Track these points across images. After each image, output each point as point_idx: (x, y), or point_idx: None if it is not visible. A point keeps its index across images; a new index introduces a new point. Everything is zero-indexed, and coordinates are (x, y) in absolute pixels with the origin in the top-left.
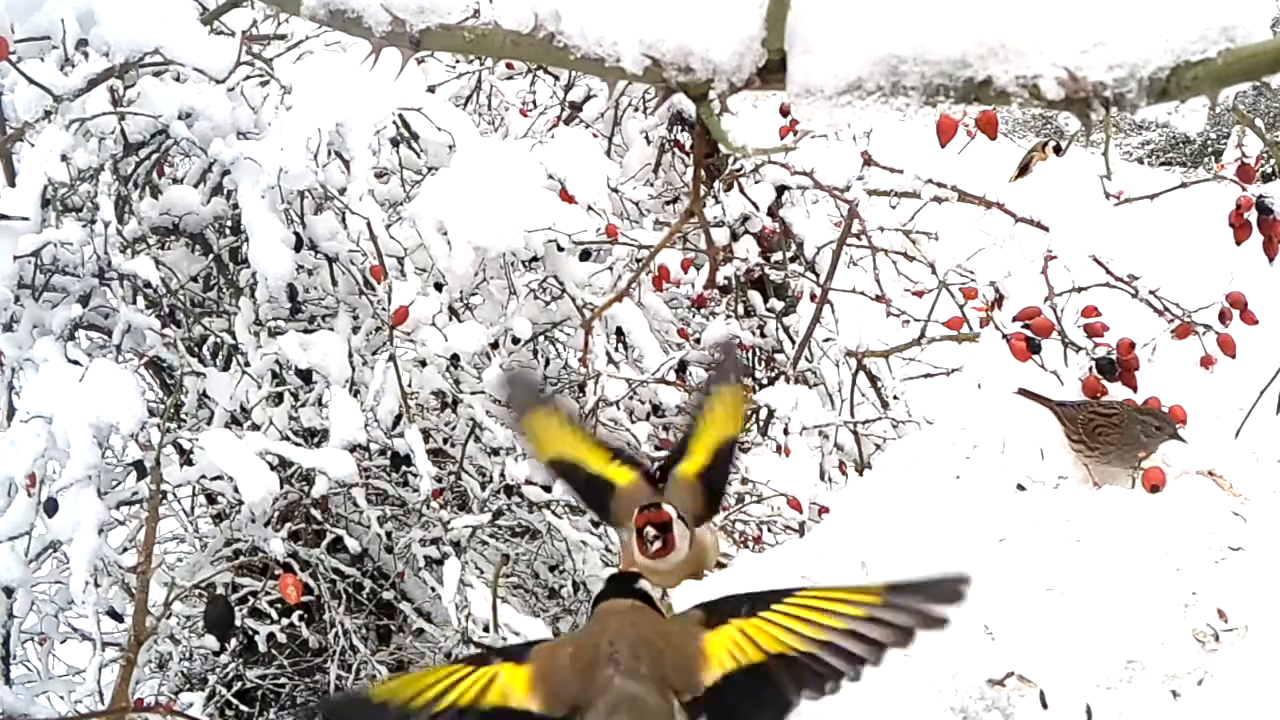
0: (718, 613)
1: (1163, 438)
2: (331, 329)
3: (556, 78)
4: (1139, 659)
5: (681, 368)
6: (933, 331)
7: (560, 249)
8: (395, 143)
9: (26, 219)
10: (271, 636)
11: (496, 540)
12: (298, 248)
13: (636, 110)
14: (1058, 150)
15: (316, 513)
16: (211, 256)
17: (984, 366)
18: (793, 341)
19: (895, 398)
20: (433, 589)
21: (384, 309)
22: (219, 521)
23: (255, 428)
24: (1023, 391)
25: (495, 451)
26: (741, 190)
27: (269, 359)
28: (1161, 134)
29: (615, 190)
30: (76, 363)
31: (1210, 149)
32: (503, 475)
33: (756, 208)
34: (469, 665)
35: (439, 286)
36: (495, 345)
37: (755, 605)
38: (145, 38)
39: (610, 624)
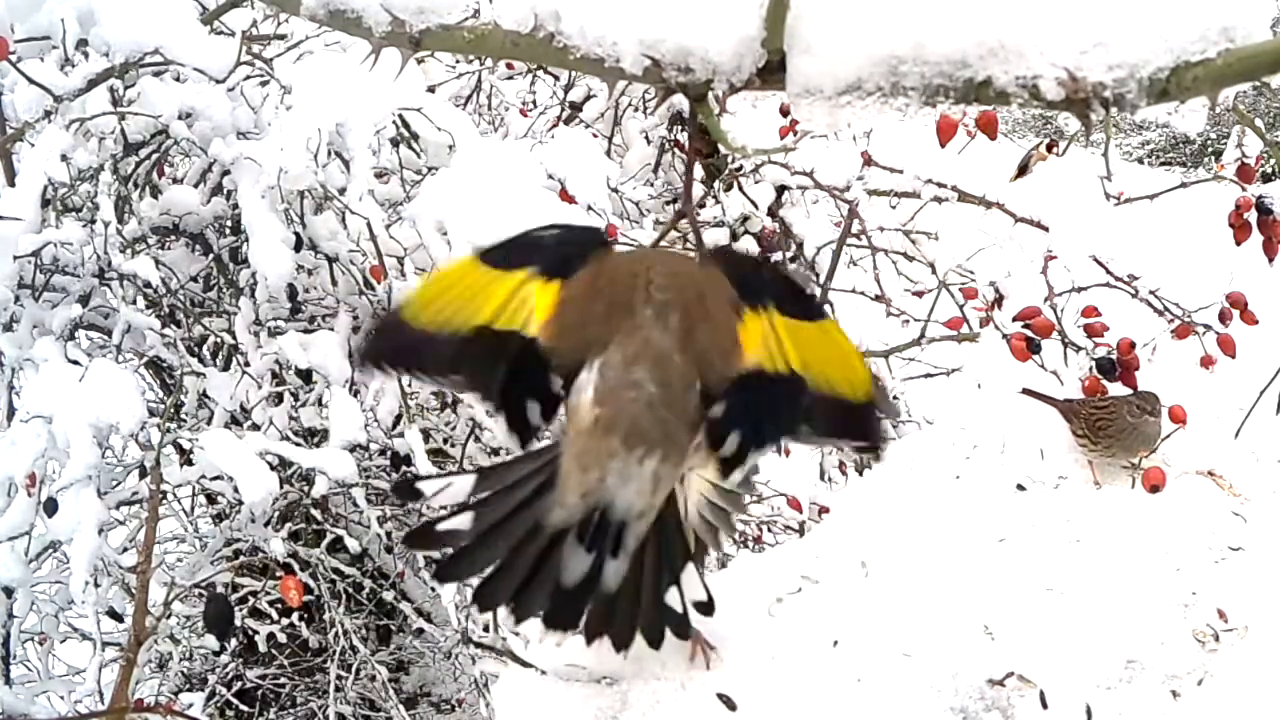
0: (753, 290)
1: (1146, 419)
2: (331, 329)
3: (556, 78)
4: (1139, 659)
5: None
6: (933, 331)
7: None
8: (395, 143)
9: (20, 219)
10: (271, 636)
11: None
12: (298, 248)
13: (636, 110)
14: (1050, 147)
15: (316, 513)
16: (211, 256)
17: (984, 366)
18: None
19: (895, 398)
20: (433, 589)
21: (384, 309)
22: (219, 521)
23: (255, 428)
24: (1026, 391)
25: (495, 451)
26: (741, 190)
27: (269, 359)
28: (1161, 134)
29: (615, 190)
30: (76, 363)
31: (1210, 149)
32: None
33: (756, 207)
34: (501, 270)
35: None
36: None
37: (789, 304)
38: (145, 38)
39: (648, 260)
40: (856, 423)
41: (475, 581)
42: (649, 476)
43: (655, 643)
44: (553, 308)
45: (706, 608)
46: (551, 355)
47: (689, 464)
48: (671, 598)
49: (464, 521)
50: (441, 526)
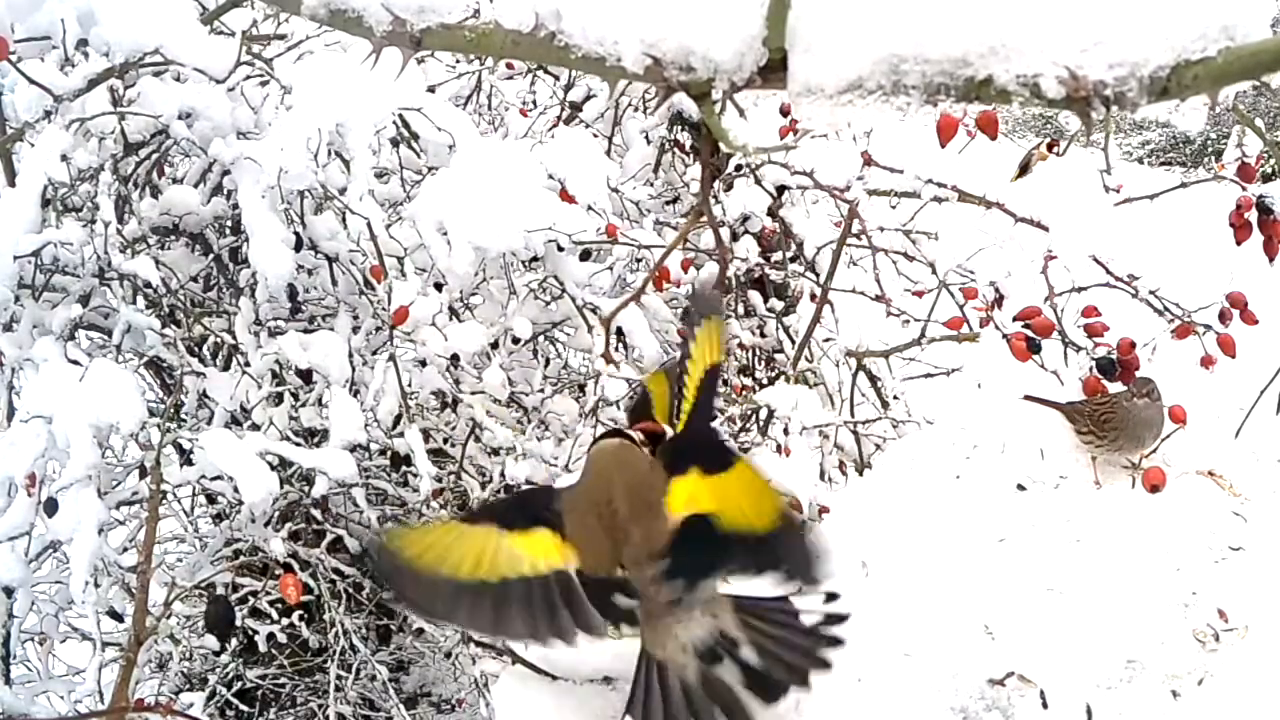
0: (679, 461)
1: (1145, 401)
2: (331, 329)
3: (556, 78)
4: (1139, 659)
5: None
6: (933, 331)
7: (560, 249)
8: (395, 143)
9: None
10: (271, 636)
11: None
12: (298, 248)
13: (636, 110)
14: (1051, 147)
15: (316, 513)
16: (211, 256)
17: (984, 366)
18: (793, 341)
19: (895, 398)
20: None
21: (384, 309)
22: (219, 521)
23: (255, 428)
24: (1028, 398)
25: (495, 451)
26: (758, 182)
27: (269, 359)
28: (1161, 134)
29: (615, 190)
30: (76, 363)
31: (1210, 149)
32: (503, 475)
33: (771, 196)
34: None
35: (439, 286)
36: (495, 345)
37: (712, 462)
38: (145, 38)
39: (608, 476)
40: (768, 552)
41: None
42: (700, 617)
43: (827, 666)
44: (569, 548)
45: (837, 616)
46: (592, 575)
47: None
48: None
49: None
50: None
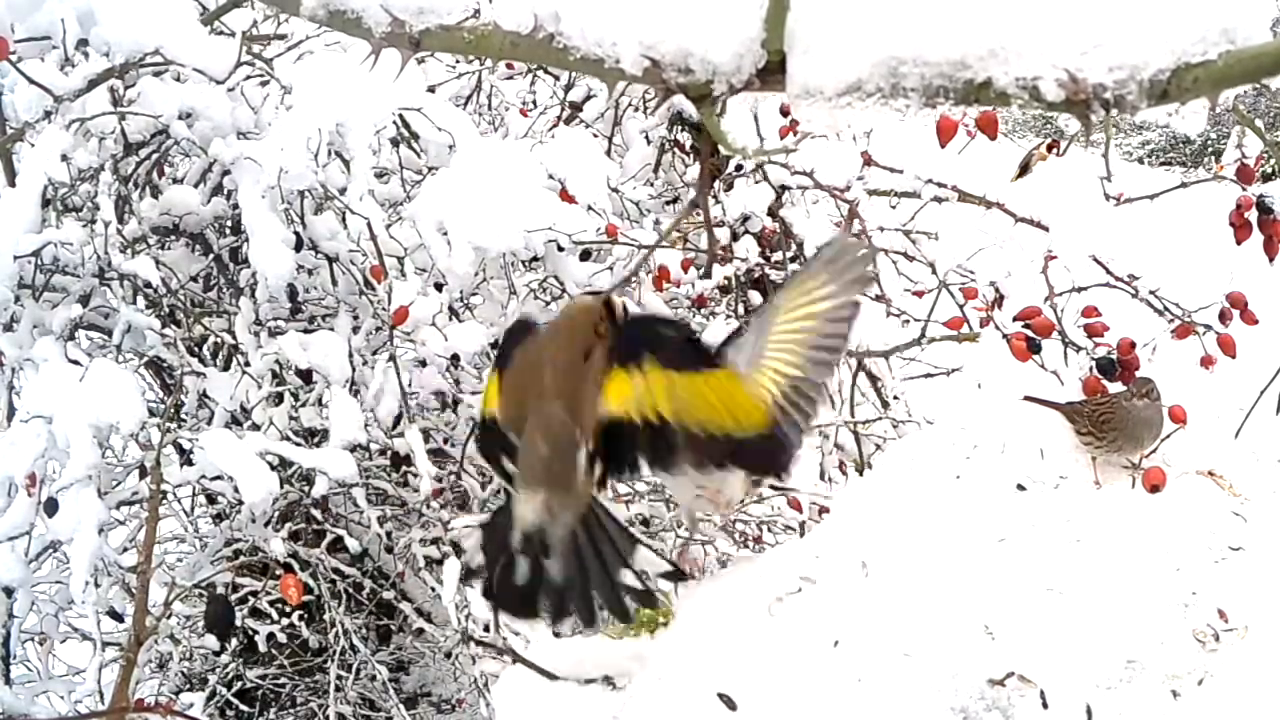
0: (631, 350)
1: (1145, 402)
2: (331, 329)
3: (556, 78)
4: (1139, 659)
5: None
6: (933, 331)
7: (560, 249)
8: (395, 143)
9: None
10: (271, 636)
11: None
12: (298, 248)
13: (636, 110)
14: (1051, 147)
15: (316, 513)
16: (211, 256)
17: (984, 366)
18: None
19: (895, 398)
20: (433, 589)
21: (384, 309)
22: (219, 521)
23: (255, 428)
24: (1028, 398)
25: None
26: (762, 180)
27: (269, 359)
28: (1161, 134)
29: (615, 190)
30: (76, 363)
31: (1210, 149)
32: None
33: (777, 193)
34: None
35: (439, 286)
36: (495, 345)
37: (674, 359)
38: (145, 38)
39: (552, 344)
40: (747, 453)
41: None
42: (540, 503)
43: (624, 616)
44: (499, 395)
45: (673, 575)
46: (506, 427)
47: (583, 487)
48: (628, 579)
49: (480, 559)
50: (473, 565)
